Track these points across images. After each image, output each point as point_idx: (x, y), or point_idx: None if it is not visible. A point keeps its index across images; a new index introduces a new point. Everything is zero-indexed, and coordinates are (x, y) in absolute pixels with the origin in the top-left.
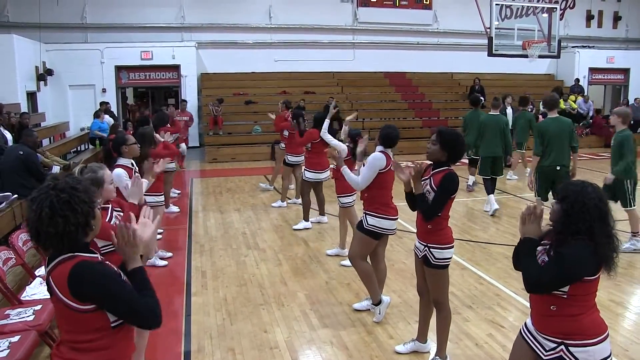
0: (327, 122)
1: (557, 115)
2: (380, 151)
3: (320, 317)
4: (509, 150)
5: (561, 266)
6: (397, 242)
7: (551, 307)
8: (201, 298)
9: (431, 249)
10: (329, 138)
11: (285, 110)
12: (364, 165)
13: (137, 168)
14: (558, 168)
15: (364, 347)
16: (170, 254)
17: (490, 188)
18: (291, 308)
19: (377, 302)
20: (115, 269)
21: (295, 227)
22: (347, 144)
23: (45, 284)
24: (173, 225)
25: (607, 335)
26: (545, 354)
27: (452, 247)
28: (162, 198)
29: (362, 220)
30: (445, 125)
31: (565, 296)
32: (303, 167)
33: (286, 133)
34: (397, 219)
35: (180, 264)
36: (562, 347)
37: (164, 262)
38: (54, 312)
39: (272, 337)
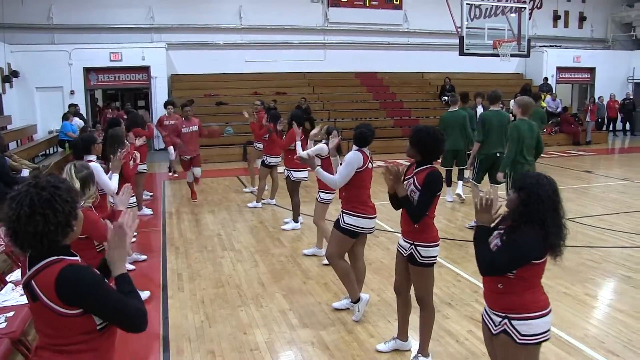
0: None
1: (498, 109)
2: (356, 150)
3: (300, 317)
4: (470, 144)
5: (513, 251)
6: (374, 242)
7: (498, 286)
8: (178, 301)
9: (417, 247)
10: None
11: (262, 110)
12: (340, 163)
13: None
14: (498, 155)
15: (345, 347)
16: (144, 257)
17: (448, 180)
18: (270, 309)
19: (356, 300)
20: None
21: (283, 227)
22: (323, 141)
23: (19, 289)
24: (146, 228)
25: (548, 312)
26: (494, 328)
27: (438, 245)
28: (134, 199)
29: (339, 218)
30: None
31: (512, 277)
32: (285, 168)
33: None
34: (375, 217)
35: (155, 266)
36: (506, 320)
37: (132, 267)
38: (34, 317)
39: (252, 338)
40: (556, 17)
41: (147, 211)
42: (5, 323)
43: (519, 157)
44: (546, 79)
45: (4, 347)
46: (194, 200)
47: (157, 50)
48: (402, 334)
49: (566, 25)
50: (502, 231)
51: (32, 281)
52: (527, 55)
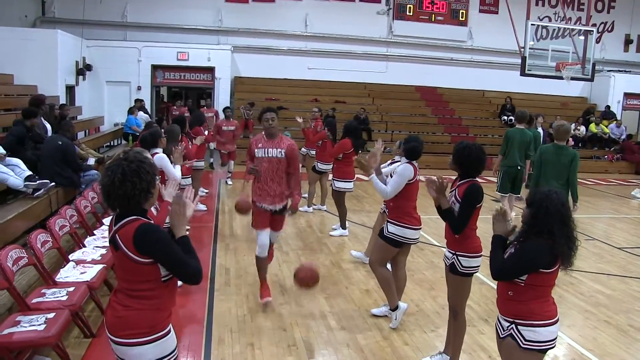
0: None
1: (523, 127)
2: (406, 162)
3: (338, 319)
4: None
5: (520, 257)
6: (418, 254)
7: (509, 293)
8: (223, 294)
9: (459, 257)
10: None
11: (319, 117)
12: (390, 175)
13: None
14: (519, 167)
15: (379, 352)
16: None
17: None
18: (310, 309)
19: (394, 308)
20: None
21: (331, 233)
22: (396, 157)
23: (80, 267)
24: (199, 223)
25: (555, 322)
26: (502, 333)
27: (480, 256)
28: (190, 180)
29: (383, 227)
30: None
31: (522, 284)
32: (331, 176)
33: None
34: (419, 228)
35: (205, 260)
36: (513, 325)
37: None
38: (115, 264)
39: (291, 335)
40: (628, 41)
41: (201, 207)
42: (67, 296)
43: (543, 181)
44: (609, 107)
45: (65, 317)
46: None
47: (222, 52)
48: (449, 348)
49: (639, 50)
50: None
51: (117, 235)
52: (591, 80)
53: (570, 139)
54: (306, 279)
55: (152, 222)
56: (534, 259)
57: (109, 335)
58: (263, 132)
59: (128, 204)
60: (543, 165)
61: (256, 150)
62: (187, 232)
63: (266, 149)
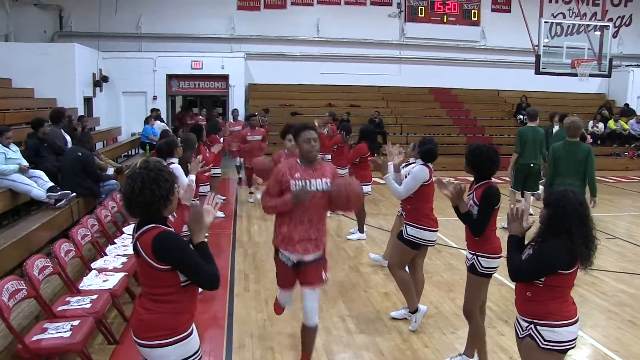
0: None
1: (535, 125)
2: (422, 164)
3: (358, 323)
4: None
5: (538, 259)
6: (436, 256)
7: (527, 294)
8: (243, 299)
9: (479, 258)
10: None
11: (331, 121)
12: (406, 176)
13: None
14: (531, 165)
15: (399, 354)
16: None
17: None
18: (330, 313)
19: (414, 310)
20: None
21: (349, 237)
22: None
23: (102, 275)
24: (218, 230)
25: (575, 322)
26: (521, 333)
27: (500, 257)
28: (208, 188)
29: (402, 230)
30: (487, 143)
31: (541, 285)
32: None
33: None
34: (437, 230)
35: (224, 266)
36: (532, 326)
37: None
38: (138, 270)
39: None
40: None
41: (219, 214)
42: (91, 304)
43: (559, 179)
44: (627, 104)
45: (89, 324)
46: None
47: (236, 59)
48: (470, 350)
49: None
50: (535, 243)
51: (138, 242)
52: (608, 76)
53: (589, 137)
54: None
55: (172, 229)
56: (552, 261)
57: (134, 338)
58: (297, 157)
59: (148, 211)
60: (557, 163)
61: (292, 182)
62: (206, 239)
63: (307, 180)
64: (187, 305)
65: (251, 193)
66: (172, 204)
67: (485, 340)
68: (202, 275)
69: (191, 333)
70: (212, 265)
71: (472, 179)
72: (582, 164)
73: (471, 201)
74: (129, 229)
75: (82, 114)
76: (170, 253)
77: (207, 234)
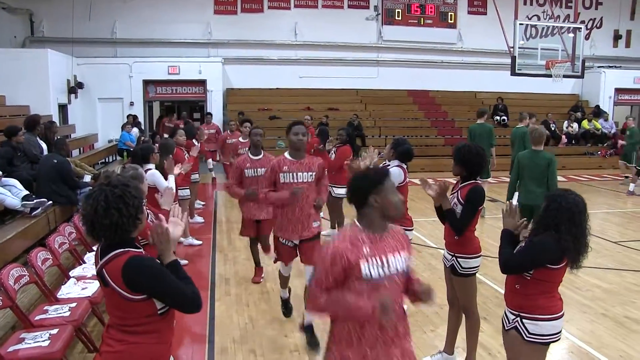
0: None
1: (483, 122)
2: (396, 165)
3: None
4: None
5: (527, 251)
6: (416, 256)
7: (516, 286)
8: (224, 304)
9: (458, 259)
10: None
11: (310, 126)
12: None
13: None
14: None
15: None
16: (200, 242)
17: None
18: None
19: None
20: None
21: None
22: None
23: (81, 283)
24: (197, 235)
25: (560, 317)
26: (507, 325)
27: (479, 256)
28: (188, 192)
29: None
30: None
31: (529, 278)
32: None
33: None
34: (412, 229)
35: (204, 271)
36: (518, 318)
37: (185, 262)
38: (105, 300)
39: (293, 341)
40: (617, 37)
41: (198, 219)
42: (69, 312)
43: (522, 185)
44: (597, 106)
45: (68, 332)
46: None
47: (213, 64)
48: (449, 347)
49: (628, 45)
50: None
51: (104, 269)
52: (581, 76)
53: (564, 137)
54: None
55: (141, 251)
56: (540, 254)
57: None
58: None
59: (115, 234)
60: (521, 171)
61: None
62: (186, 264)
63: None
64: (165, 333)
65: None
66: (142, 223)
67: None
68: (183, 299)
69: None
70: (191, 285)
71: (454, 180)
72: (545, 172)
73: (455, 200)
74: None
75: (56, 121)
76: (146, 281)
77: (185, 262)
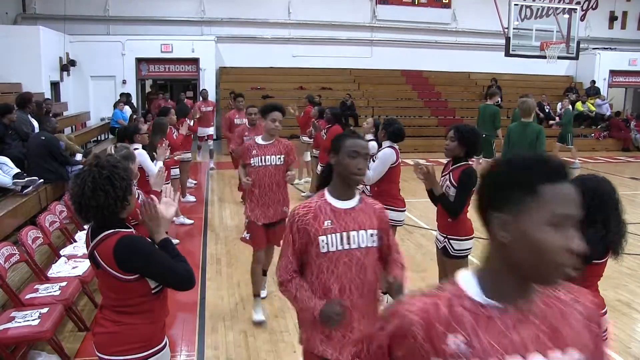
0: None
1: (491, 103)
2: (388, 146)
3: None
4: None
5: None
6: (407, 237)
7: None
8: (215, 283)
9: (450, 241)
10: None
11: (309, 105)
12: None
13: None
14: (484, 135)
15: None
16: (191, 221)
17: None
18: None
19: (385, 293)
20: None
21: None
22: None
23: (71, 262)
24: (189, 214)
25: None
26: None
27: (472, 238)
28: (177, 171)
29: None
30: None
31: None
32: (320, 165)
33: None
34: (404, 210)
35: (196, 251)
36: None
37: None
38: (98, 282)
39: (283, 322)
40: (613, 18)
41: (190, 198)
42: (60, 291)
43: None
44: (594, 82)
45: (58, 311)
46: None
47: (206, 43)
48: None
49: (623, 26)
50: None
51: (95, 251)
52: (576, 58)
53: (557, 118)
54: None
55: (132, 230)
56: (589, 252)
57: (99, 355)
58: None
59: (102, 216)
60: (511, 143)
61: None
62: (177, 243)
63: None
64: (159, 312)
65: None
66: (130, 205)
67: None
68: (175, 277)
69: (165, 345)
70: (183, 262)
71: (444, 161)
72: (533, 144)
73: (447, 182)
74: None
75: (49, 98)
76: (137, 261)
77: (177, 241)
